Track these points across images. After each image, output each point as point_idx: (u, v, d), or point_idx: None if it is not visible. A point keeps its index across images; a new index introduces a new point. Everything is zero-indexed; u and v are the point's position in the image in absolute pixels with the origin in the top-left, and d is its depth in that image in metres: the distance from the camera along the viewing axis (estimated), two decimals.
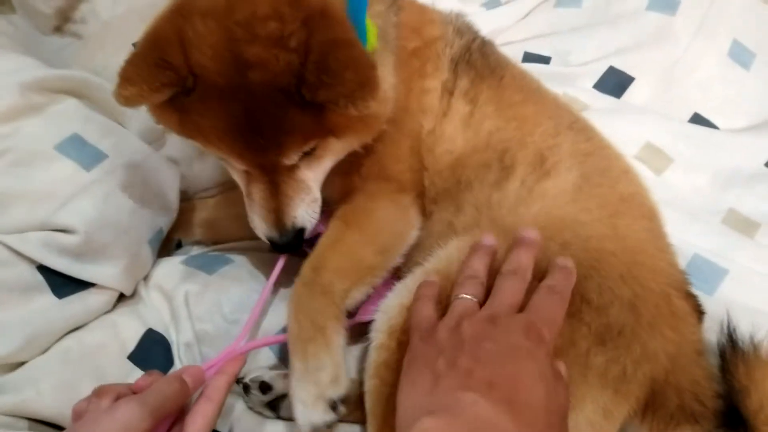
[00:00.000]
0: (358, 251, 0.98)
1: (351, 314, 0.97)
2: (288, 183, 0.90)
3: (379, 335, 0.90)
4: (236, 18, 0.80)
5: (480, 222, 0.99)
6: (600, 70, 1.36)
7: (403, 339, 0.87)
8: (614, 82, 1.36)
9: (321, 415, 0.86)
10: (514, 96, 1.07)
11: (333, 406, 0.87)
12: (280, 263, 0.99)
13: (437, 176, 1.05)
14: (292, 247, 0.93)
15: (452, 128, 1.05)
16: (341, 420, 0.94)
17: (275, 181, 0.89)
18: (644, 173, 1.22)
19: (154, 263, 1.07)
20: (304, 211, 0.92)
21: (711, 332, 0.98)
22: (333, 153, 0.93)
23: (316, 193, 0.94)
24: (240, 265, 1.09)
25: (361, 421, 0.94)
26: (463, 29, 1.12)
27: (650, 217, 1.03)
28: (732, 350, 0.92)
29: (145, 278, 1.06)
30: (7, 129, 0.97)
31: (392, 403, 0.85)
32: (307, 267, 0.95)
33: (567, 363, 0.83)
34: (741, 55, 1.37)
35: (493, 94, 1.06)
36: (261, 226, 0.91)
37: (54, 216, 0.93)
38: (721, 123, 1.34)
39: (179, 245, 1.17)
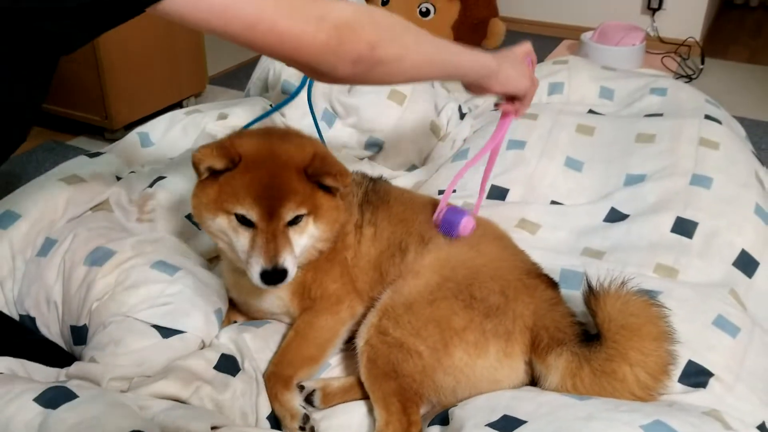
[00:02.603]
0: (303, 350, 1.54)
1: None
2: (282, 239, 1.35)
3: (361, 345, 1.48)
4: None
5: (400, 277, 1.56)
6: (485, 188, 2.07)
7: (374, 343, 1.45)
8: (497, 193, 2.07)
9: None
10: (399, 209, 1.66)
11: (302, 428, 1.42)
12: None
13: (364, 276, 1.61)
14: (275, 279, 1.34)
15: (366, 247, 1.58)
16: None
17: (275, 234, 1.34)
18: (524, 235, 1.88)
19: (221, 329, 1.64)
20: (291, 259, 1.36)
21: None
22: (308, 234, 1.42)
23: (297, 254, 1.39)
24: (273, 323, 1.67)
25: (364, 398, 1.50)
26: (358, 180, 1.68)
27: (500, 238, 1.65)
28: (588, 293, 1.44)
29: (216, 337, 1.62)
30: (125, 266, 1.61)
31: (383, 383, 1.44)
32: (270, 362, 1.54)
33: (471, 334, 1.41)
34: (573, 164, 2.11)
35: (386, 214, 1.61)
36: (257, 266, 1.33)
37: (158, 297, 1.54)
38: (569, 203, 2.04)
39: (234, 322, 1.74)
